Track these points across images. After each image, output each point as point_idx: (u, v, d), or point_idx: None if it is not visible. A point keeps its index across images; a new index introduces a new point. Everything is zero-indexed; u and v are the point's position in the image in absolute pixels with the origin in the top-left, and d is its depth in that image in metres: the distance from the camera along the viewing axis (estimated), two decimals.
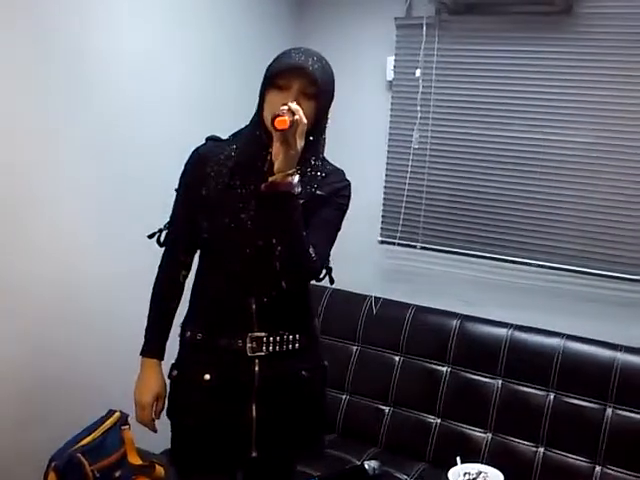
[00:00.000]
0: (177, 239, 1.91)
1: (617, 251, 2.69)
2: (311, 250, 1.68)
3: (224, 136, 1.87)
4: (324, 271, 1.83)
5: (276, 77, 1.67)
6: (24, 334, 2.23)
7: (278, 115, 1.54)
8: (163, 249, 1.94)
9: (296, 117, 1.56)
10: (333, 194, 1.79)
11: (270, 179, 1.62)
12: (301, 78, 1.66)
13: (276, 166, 1.60)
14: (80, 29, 2.28)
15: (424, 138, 3.00)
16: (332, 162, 1.87)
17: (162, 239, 1.92)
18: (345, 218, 1.86)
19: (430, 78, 2.97)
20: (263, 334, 1.78)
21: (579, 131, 2.72)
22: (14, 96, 2.10)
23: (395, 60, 3.06)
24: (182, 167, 1.88)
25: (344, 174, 1.87)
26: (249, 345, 1.77)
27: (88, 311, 2.43)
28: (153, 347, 1.93)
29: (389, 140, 3.11)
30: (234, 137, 1.84)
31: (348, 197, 1.84)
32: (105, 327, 2.49)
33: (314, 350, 1.92)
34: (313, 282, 1.89)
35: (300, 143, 1.59)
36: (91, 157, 2.38)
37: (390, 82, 3.11)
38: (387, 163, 3.13)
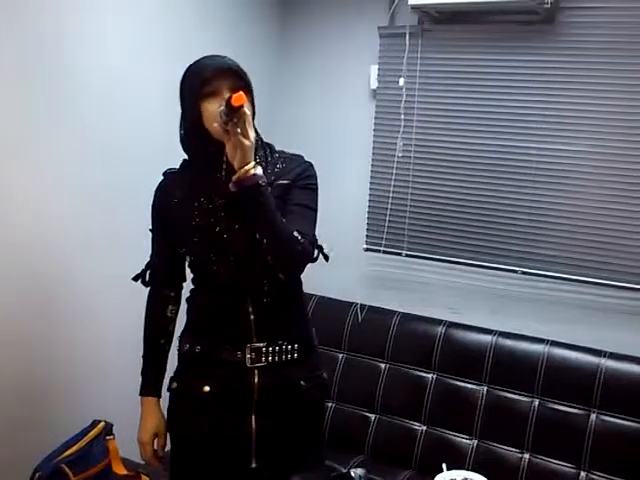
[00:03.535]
0: (160, 276, 1.95)
1: (603, 258, 2.70)
2: (295, 233, 1.69)
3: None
4: (315, 251, 1.82)
5: (204, 87, 1.68)
6: (8, 343, 2.21)
7: (231, 95, 1.55)
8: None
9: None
10: (297, 179, 1.80)
11: (234, 178, 1.63)
12: (227, 77, 1.69)
13: (236, 164, 1.62)
14: (65, 35, 2.28)
15: (408, 146, 3.02)
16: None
17: (147, 279, 1.95)
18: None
19: (414, 87, 2.98)
20: (262, 344, 1.78)
21: (561, 139, 2.73)
22: None
23: (379, 69, 3.07)
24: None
25: (303, 157, 1.88)
26: (248, 356, 1.78)
27: (72, 322, 2.42)
28: (149, 386, 1.94)
29: (373, 148, 3.12)
30: (186, 162, 1.86)
31: (314, 176, 1.85)
32: (90, 338, 2.48)
33: (312, 360, 1.93)
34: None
35: (252, 133, 1.61)
36: (76, 160, 2.38)
37: (374, 91, 3.12)
38: (371, 171, 3.14)
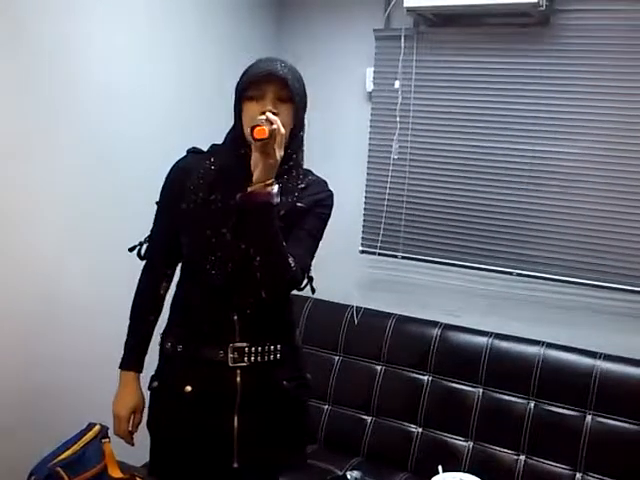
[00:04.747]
0: (157, 252, 1.91)
1: (599, 260, 2.71)
2: (290, 260, 1.68)
3: (205, 147, 1.87)
4: (305, 280, 1.82)
5: (248, 88, 1.69)
6: (3, 348, 2.21)
7: (256, 125, 1.55)
8: (143, 262, 1.94)
9: (274, 126, 1.56)
10: (314, 205, 1.80)
11: (249, 189, 1.62)
12: (273, 84, 1.68)
13: (255, 176, 1.60)
14: (64, 40, 2.28)
15: (404, 149, 3.02)
16: (313, 172, 1.88)
17: (142, 252, 1.92)
18: (326, 228, 1.86)
19: (409, 89, 2.99)
20: (245, 344, 1.78)
21: (556, 141, 2.74)
22: None
23: (374, 71, 3.08)
24: (163, 179, 1.87)
25: (326, 184, 1.88)
26: (231, 355, 1.77)
27: (67, 324, 2.42)
28: (131, 360, 1.93)
29: (369, 151, 3.13)
30: (213, 149, 1.84)
31: (330, 207, 1.85)
32: (85, 340, 2.48)
33: (296, 361, 1.92)
34: (294, 292, 1.89)
35: (279, 153, 1.59)
36: (72, 169, 2.38)
37: (370, 93, 3.13)
38: (367, 173, 3.14)
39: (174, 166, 1.86)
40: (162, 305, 1.95)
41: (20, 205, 2.22)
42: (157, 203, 1.90)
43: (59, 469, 2.08)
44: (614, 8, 2.60)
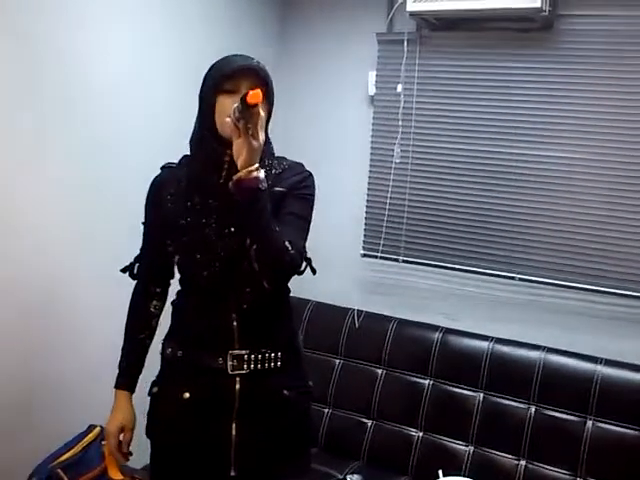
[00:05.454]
0: (147, 270, 1.94)
1: (600, 265, 2.71)
2: (287, 243, 1.65)
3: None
4: (304, 263, 1.79)
5: (224, 82, 1.67)
6: (4, 347, 2.21)
7: (247, 92, 1.50)
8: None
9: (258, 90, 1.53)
10: (293, 187, 1.77)
11: (235, 177, 1.59)
12: (249, 79, 1.66)
13: (239, 163, 1.58)
14: (66, 35, 2.28)
15: (406, 153, 3.02)
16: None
17: (135, 272, 1.94)
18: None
19: (411, 93, 2.99)
20: (244, 352, 1.76)
21: (560, 146, 2.74)
22: None
23: (377, 75, 3.08)
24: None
25: (303, 166, 1.85)
26: (230, 363, 1.75)
27: (69, 326, 2.42)
28: (124, 380, 1.93)
29: (371, 154, 3.13)
30: (185, 158, 1.85)
31: (311, 186, 1.82)
32: (87, 342, 2.47)
33: (297, 369, 1.90)
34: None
35: (262, 135, 1.57)
36: (75, 161, 2.38)
37: (372, 97, 3.13)
38: (369, 177, 3.14)
39: (151, 184, 1.86)
40: (155, 323, 1.96)
41: (23, 195, 2.23)
42: (143, 223, 1.91)
43: (59, 470, 2.09)
44: (617, 14, 2.60)
